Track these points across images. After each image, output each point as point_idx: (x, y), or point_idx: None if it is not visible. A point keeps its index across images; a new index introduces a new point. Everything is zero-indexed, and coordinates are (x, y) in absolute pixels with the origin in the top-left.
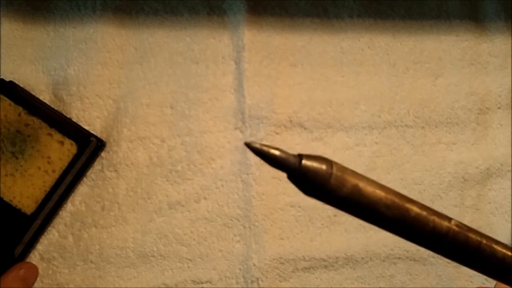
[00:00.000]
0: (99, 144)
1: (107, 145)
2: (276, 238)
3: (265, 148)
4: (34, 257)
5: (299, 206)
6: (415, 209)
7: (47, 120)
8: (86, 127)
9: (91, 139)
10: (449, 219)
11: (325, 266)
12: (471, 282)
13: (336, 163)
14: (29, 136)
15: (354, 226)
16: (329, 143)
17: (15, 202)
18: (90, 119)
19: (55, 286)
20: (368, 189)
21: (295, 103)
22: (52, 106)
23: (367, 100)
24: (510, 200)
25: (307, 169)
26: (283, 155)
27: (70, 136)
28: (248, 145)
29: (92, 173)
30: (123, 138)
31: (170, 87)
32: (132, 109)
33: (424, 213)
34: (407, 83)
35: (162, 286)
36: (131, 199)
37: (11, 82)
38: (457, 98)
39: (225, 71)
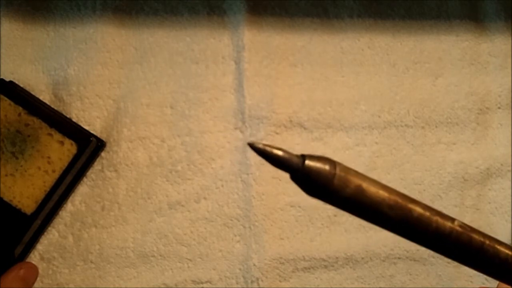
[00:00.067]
0: (99, 144)
1: (107, 145)
2: (276, 238)
3: (268, 149)
4: (34, 257)
5: (299, 206)
6: (418, 209)
7: (47, 120)
8: (86, 127)
9: (91, 139)
10: (452, 219)
11: (325, 266)
12: (471, 282)
13: (339, 164)
14: (29, 136)
15: (354, 226)
16: (329, 143)
17: (15, 202)
18: (90, 119)
19: (55, 286)
20: (371, 189)
21: (295, 103)
22: (52, 106)
23: (367, 100)
24: (510, 200)
25: (310, 170)
26: (286, 156)
27: (70, 136)
28: (251, 145)
29: (92, 173)
30: (123, 138)
31: (170, 87)
32: (132, 109)
33: (427, 213)
34: (407, 83)
35: (162, 286)
36: (131, 199)
37: (11, 82)
38: (457, 98)
39: (225, 71)
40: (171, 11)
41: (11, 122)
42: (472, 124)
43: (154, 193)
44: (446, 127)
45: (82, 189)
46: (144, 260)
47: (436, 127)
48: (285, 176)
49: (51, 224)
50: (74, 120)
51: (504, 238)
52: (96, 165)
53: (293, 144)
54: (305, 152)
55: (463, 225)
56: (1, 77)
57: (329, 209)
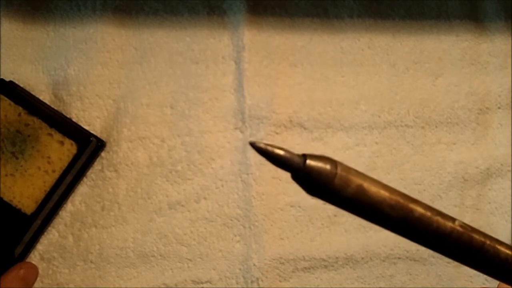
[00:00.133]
0: (99, 144)
1: (107, 145)
2: (276, 238)
3: (270, 148)
4: (34, 257)
5: (299, 206)
6: (419, 209)
7: (47, 120)
8: (86, 127)
9: (91, 139)
10: (453, 219)
11: (325, 266)
12: (471, 282)
13: (341, 163)
14: (29, 136)
15: (354, 226)
16: (329, 143)
17: (15, 202)
18: (90, 119)
19: (55, 286)
20: (373, 189)
21: (295, 103)
22: (52, 106)
23: (367, 100)
24: (510, 200)
25: (311, 169)
26: (288, 155)
27: (70, 136)
28: (253, 145)
29: (92, 173)
30: (123, 138)
31: (170, 87)
32: (132, 109)
33: (428, 213)
34: (407, 83)
35: (162, 286)
36: (131, 199)
37: (11, 82)
38: (457, 98)
39: (225, 71)
40: (171, 11)
41: (11, 122)
42: (472, 124)
43: (154, 193)
44: (446, 127)
45: (82, 189)
46: (144, 260)
47: (436, 127)
48: (285, 176)
49: (51, 224)
50: (74, 120)
51: (504, 238)
52: (96, 165)
53: (293, 144)
54: (305, 152)
55: (464, 225)
56: (1, 77)
57: (329, 209)
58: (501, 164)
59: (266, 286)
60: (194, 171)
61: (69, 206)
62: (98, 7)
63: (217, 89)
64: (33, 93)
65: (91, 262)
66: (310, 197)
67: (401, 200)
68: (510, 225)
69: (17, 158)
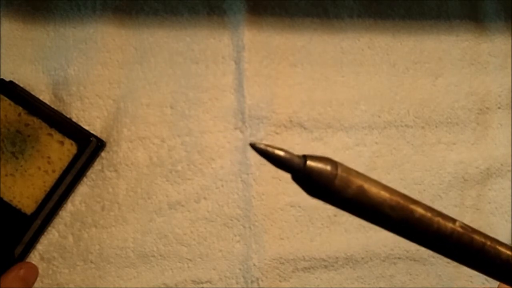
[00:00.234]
0: (99, 144)
1: (107, 145)
2: (276, 238)
3: (270, 149)
4: (34, 257)
5: (299, 206)
6: (420, 210)
7: (47, 120)
8: (86, 127)
9: (91, 139)
10: (454, 220)
11: (325, 266)
12: (471, 282)
13: (341, 164)
14: (29, 136)
15: (354, 226)
16: (329, 143)
17: (15, 202)
18: (90, 119)
19: (55, 286)
20: (373, 190)
21: (295, 103)
22: (52, 106)
23: (367, 100)
24: (510, 200)
25: (311, 170)
26: (288, 156)
27: (70, 136)
28: (253, 146)
29: (92, 173)
30: (123, 138)
31: (170, 87)
32: (132, 109)
33: (429, 214)
34: (407, 83)
35: (162, 286)
36: (131, 199)
37: (11, 82)
38: (457, 98)
39: (225, 71)
40: (171, 11)
41: (11, 122)
42: (472, 124)
43: (154, 193)
44: (446, 127)
45: (82, 189)
46: (144, 260)
47: (436, 127)
48: (285, 176)
49: (51, 224)
50: (74, 120)
51: (504, 238)
52: (96, 165)
53: (293, 144)
54: (305, 152)
55: (464, 226)
56: (1, 77)
57: (329, 209)
58: (501, 164)
59: (266, 286)
60: (194, 171)
61: (69, 206)
62: (98, 7)
63: (217, 89)
64: (33, 93)
65: (91, 262)
66: (310, 197)
67: (402, 201)
68: (510, 225)
69: (17, 158)
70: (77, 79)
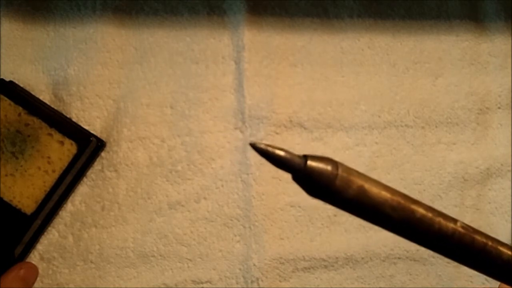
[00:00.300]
0: (99, 144)
1: (107, 145)
2: (276, 238)
3: (270, 149)
4: (34, 257)
5: (299, 206)
6: (421, 210)
7: (47, 120)
8: (86, 127)
9: (91, 139)
10: (455, 220)
11: (325, 266)
12: (471, 282)
13: (342, 164)
14: (29, 136)
15: (354, 226)
16: (329, 143)
17: (15, 202)
18: (90, 119)
19: (55, 286)
20: (374, 190)
21: (295, 103)
22: (52, 106)
23: (367, 100)
24: (510, 200)
25: (312, 170)
26: (288, 156)
27: (70, 136)
28: (253, 146)
29: (92, 173)
30: (123, 138)
31: (170, 87)
32: (132, 109)
33: (430, 214)
34: (407, 83)
35: (162, 286)
36: (131, 199)
37: (11, 82)
38: (457, 98)
39: (225, 71)
40: (171, 11)
41: (11, 122)
42: (472, 124)
43: (154, 193)
44: (446, 127)
45: (82, 189)
46: (144, 260)
47: (436, 127)
48: (285, 176)
49: (51, 224)
50: (74, 120)
51: (504, 238)
52: (96, 165)
53: (293, 144)
54: (305, 152)
55: (466, 226)
56: (1, 77)
57: (329, 209)
58: (501, 164)
59: (266, 286)
60: (194, 171)
61: (69, 206)
62: (98, 7)
63: (217, 89)
64: (33, 93)
65: (91, 262)
66: (310, 197)
67: (403, 201)
68: (510, 225)
69: (17, 158)
70: (77, 79)
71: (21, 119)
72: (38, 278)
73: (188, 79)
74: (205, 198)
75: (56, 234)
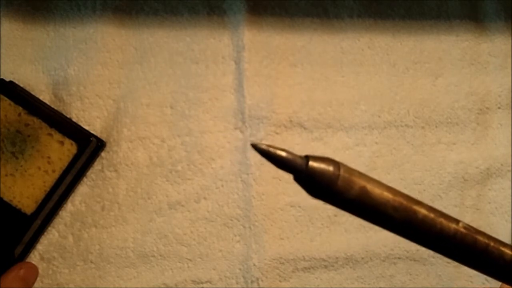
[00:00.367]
0: (99, 144)
1: (107, 145)
2: (276, 238)
3: (272, 150)
4: (34, 257)
5: (299, 206)
6: (423, 211)
7: (47, 120)
8: (86, 127)
9: (91, 139)
10: (457, 221)
11: (325, 266)
12: (471, 282)
13: (343, 165)
14: (29, 136)
15: (354, 226)
16: (329, 143)
17: (15, 202)
18: (90, 119)
19: (55, 286)
20: (376, 191)
21: (295, 103)
22: (52, 106)
23: (367, 100)
24: (510, 200)
25: (314, 171)
26: (290, 157)
27: (70, 136)
28: (254, 146)
29: (92, 173)
30: (123, 138)
31: (170, 87)
32: (132, 109)
33: (432, 215)
34: (407, 83)
35: (162, 286)
36: (131, 199)
37: (11, 82)
38: (457, 98)
39: (225, 71)
40: (171, 11)
41: (11, 122)
42: (472, 124)
43: (154, 193)
44: (446, 127)
45: (82, 189)
46: (144, 260)
47: (436, 127)
48: (285, 176)
49: (51, 224)
50: (74, 120)
51: (504, 238)
52: (96, 165)
53: (293, 144)
54: (306, 152)
55: (468, 227)
56: (1, 77)
57: (329, 209)
58: (501, 164)
59: (266, 286)
60: (194, 171)
61: (69, 206)
62: (98, 7)
63: (217, 89)
64: (33, 93)
65: (91, 262)
66: (310, 197)
67: (405, 202)
68: (510, 225)
69: (17, 158)
70: (77, 79)
71: (21, 119)
72: (38, 278)
73: (188, 79)
74: (205, 198)
75: (56, 234)
